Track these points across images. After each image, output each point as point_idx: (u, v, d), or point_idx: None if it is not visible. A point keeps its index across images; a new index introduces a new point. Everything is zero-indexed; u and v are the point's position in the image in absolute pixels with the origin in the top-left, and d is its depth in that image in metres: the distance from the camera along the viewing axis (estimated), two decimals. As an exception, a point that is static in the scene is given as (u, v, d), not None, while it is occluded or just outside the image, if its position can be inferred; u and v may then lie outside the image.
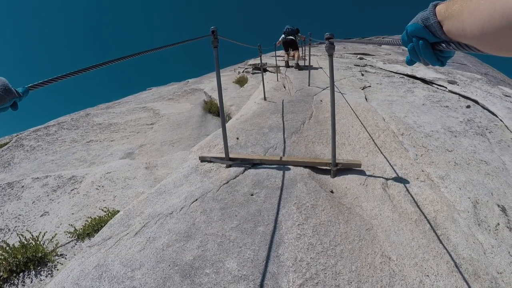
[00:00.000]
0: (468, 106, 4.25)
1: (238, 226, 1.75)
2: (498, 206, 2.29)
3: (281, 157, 2.38)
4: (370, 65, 6.37)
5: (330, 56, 2.29)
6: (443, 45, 0.53)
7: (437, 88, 4.94)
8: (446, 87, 4.85)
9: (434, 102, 4.26)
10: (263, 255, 1.55)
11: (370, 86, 4.76)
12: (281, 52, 7.90)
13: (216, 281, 1.41)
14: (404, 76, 5.43)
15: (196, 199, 2.00)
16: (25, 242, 2.31)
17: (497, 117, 4.04)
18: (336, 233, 1.72)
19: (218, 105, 2.31)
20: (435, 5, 0.53)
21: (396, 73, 5.65)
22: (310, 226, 1.74)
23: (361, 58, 7.31)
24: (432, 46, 0.56)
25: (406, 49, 0.64)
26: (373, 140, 2.98)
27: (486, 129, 3.66)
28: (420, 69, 5.71)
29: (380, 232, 1.81)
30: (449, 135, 3.35)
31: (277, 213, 1.83)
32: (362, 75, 5.48)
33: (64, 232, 2.48)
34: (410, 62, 0.67)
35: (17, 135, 5.71)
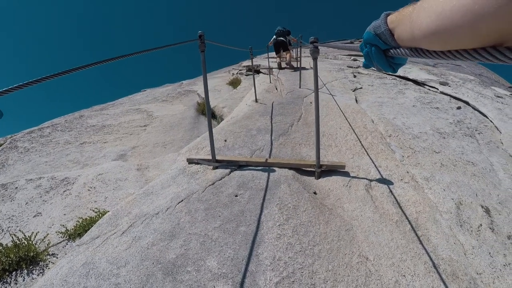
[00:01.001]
0: (459, 107, 4.34)
1: (221, 226, 1.84)
2: (482, 207, 2.35)
3: (266, 159, 2.46)
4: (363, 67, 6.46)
5: (315, 59, 2.36)
6: (391, 51, 0.57)
7: (429, 89, 5.03)
8: (437, 89, 4.94)
9: (424, 103, 4.35)
10: (243, 254, 1.63)
11: (361, 88, 4.85)
12: (274, 54, 8.03)
13: (197, 279, 1.50)
14: (397, 78, 5.53)
15: (182, 200, 2.08)
16: (18, 242, 2.39)
17: (488, 118, 4.12)
18: (316, 233, 1.81)
19: (205, 105, 2.39)
20: (387, 15, 0.57)
21: (388, 74, 5.74)
22: (290, 227, 1.83)
23: (354, 60, 7.40)
24: (385, 52, 0.60)
25: None
26: (360, 142, 3.06)
27: (476, 130, 3.74)
28: (412, 70, 5.80)
29: (360, 232, 1.89)
30: (438, 137, 3.43)
31: (259, 214, 1.92)
32: (355, 76, 5.57)
33: (56, 232, 2.56)
34: (366, 66, 0.72)
35: (11, 136, 5.79)
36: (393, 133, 3.35)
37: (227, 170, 2.40)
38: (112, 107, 6.67)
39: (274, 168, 2.40)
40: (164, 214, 1.96)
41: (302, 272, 1.55)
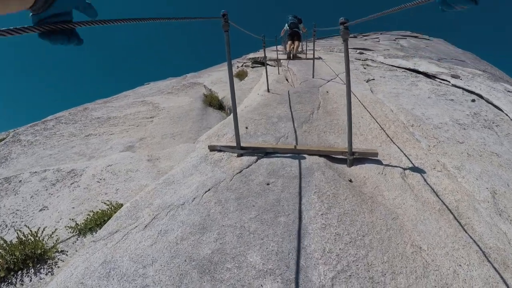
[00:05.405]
0: (473, 100, 4.16)
1: (257, 216, 1.59)
2: (516, 197, 2.19)
3: (295, 146, 2.22)
4: (371, 60, 6.25)
5: (345, 41, 2.14)
6: None
7: (440, 82, 4.84)
8: (449, 81, 4.75)
9: (439, 95, 4.16)
10: (287, 247, 1.39)
11: (374, 79, 4.64)
12: (281, 47, 7.85)
13: (239, 277, 1.25)
14: (407, 70, 5.33)
15: (209, 189, 1.83)
16: (24, 238, 2.11)
17: (503, 111, 3.95)
18: (362, 222, 1.58)
19: (230, 91, 2.14)
20: None
21: (398, 67, 5.54)
22: (334, 216, 1.59)
23: (361, 53, 7.19)
24: None
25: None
26: (384, 131, 2.84)
27: (493, 123, 3.57)
28: (422, 63, 5.60)
29: (407, 221, 1.68)
30: (458, 127, 3.24)
31: (297, 203, 1.68)
32: (365, 68, 5.36)
33: (65, 227, 2.28)
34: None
35: (14, 130, 5.44)
36: (415, 123, 3.14)
37: (254, 158, 2.14)
38: (116, 100, 6.34)
39: (303, 155, 2.16)
40: (191, 204, 1.70)
41: (358, 265, 1.32)
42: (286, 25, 7.06)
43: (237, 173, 1.98)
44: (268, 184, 1.85)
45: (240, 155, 2.17)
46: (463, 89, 4.56)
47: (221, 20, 2.13)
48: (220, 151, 2.26)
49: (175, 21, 1.49)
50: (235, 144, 2.22)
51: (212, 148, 2.27)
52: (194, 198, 1.75)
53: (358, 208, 1.67)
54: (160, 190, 1.88)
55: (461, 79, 4.83)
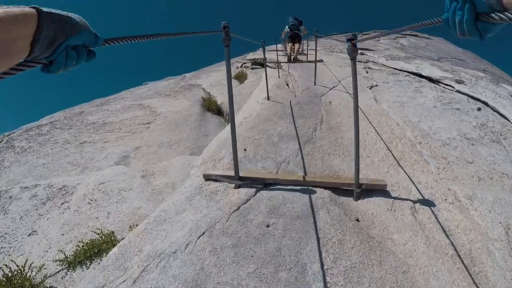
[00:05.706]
0: (479, 109, 3.93)
1: (256, 271, 1.41)
2: (530, 230, 2.01)
3: (297, 177, 2.02)
4: (372, 61, 5.96)
5: (353, 59, 1.90)
6: (494, 15, 0.48)
7: (445, 87, 4.60)
8: (453, 87, 4.51)
9: (444, 104, 3.93)
10: (289, 316, 1.22)
11: (377, 85, 4.39)
12: (281, 47, 7.54)
13: None
14: (410, 74, 5.06)
15: (203, 233, 1.64)
16: (10, 275, 1.95)
17: (509, 121, 3.74)
18: (371, 279, 1.40)
19: (229, 113, 1.91)
20: None
21: (400, 70, 5.27)
22: (340, 271, 1.41)
23: (361, 54, 6.87)
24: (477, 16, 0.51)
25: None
26: (391, 151, 2.64)
27: (501, 135, 3.37)
28: (425, 67, 5.33)
29: (418, 274, 1.50)
30: (466, 143, 3.04)
31: (300, 253, 1.50)
32: (367, 72, 5.09)
33: (53, 260, 2.11)
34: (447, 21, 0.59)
35: (9, 134, 5.21)
36: (422, 139, 2.93)
37: (252, 190, 1.95)
38: (113, 101, 6.07)
39: (306, 186, 1.96)
40: (184, 253, 1.52)
41: None
42: (287, 27, 6.78)
43: (235, 210, 1.79)
44: (268, 226, 1.66)
45: (237, 187, 1.97)
46: (468, 95, 4.32)
47: (221, 34, 1.89)
48: (216, 180, 2.06)
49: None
50: (232, 172, 2.02)
51: (208, 178, 2.07)
52: (187, 245, 1.57)
53: (366, 260, 1.49)
54: (151, 231, 1.70)
55: (465, 85, 4.59)
